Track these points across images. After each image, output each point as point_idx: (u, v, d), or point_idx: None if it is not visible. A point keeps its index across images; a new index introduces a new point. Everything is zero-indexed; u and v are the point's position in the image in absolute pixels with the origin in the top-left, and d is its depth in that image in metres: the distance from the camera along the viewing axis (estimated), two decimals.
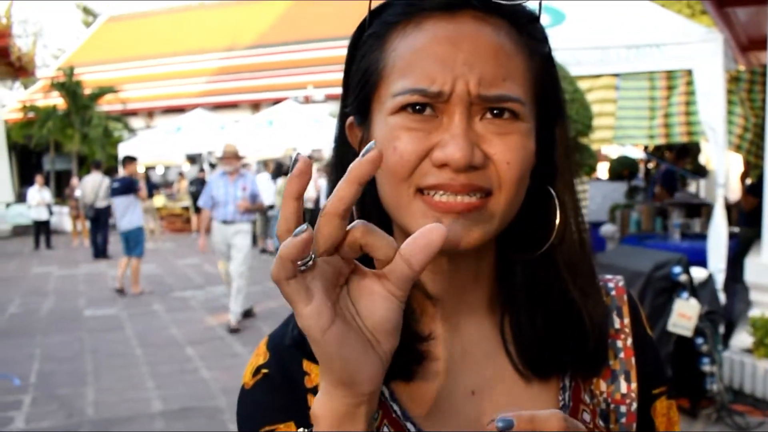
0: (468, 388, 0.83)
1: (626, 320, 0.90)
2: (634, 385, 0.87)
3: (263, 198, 10.17)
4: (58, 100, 26.31)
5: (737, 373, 5.73)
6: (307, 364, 0.83)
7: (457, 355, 0.83)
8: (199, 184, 19.33)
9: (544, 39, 0.82)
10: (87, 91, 26.16)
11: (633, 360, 0.88)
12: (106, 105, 27.23)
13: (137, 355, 7.68)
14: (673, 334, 4.98)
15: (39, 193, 18.80)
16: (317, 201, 16.73)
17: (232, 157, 8.86)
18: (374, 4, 0.82)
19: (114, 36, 37.92)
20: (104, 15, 42.64)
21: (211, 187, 8.86)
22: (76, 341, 8.35)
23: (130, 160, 12.23)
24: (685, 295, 5.05)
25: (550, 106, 0.82)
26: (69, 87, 25.79)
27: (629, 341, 0.89)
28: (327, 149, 14.06)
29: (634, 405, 0.87)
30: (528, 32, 0.79)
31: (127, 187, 11.38)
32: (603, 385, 0.86)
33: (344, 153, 0.86)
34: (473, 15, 0.77)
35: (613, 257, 5.91)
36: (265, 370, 0.85)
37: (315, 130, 19.23)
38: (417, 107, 0.75)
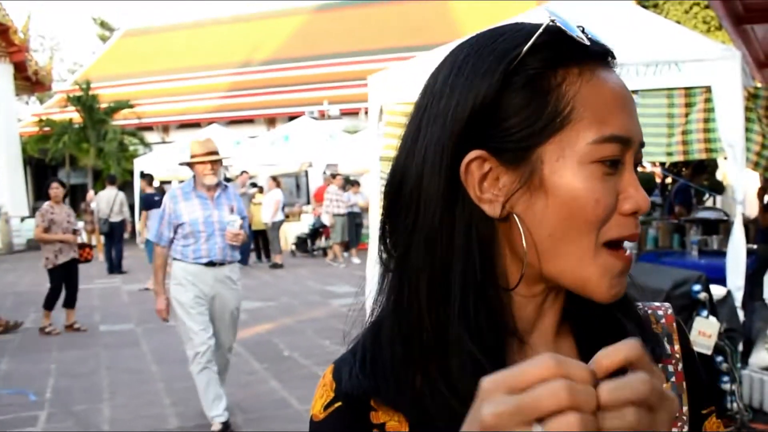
0: None
1: (676, 346, 0.93)
2: (685, 408, 0.91)
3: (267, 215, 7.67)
4: (74, 115, 26.51)
5: (756, 392, 5.67)
6: (374, 401, 0.83)
7: None
8: None
9: None
10: (103, 106, 26.35)
11: (684, 384, 0.92)
12: (122, 119, 27.40)
13: (153, 371, 7.68)
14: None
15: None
16: (349, 215, 16.72)
17: (209, 158, 5.61)
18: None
19: (130, 51, 38.20)
20: (120, 30, 43.00)
21: (175, 211, 5.56)
22: (91, 357, 8.36)
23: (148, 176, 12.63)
24: (705, 313, 5.01)
25: None
26: (85, 101, 25.99)
27: (680, 366, 0.92)
28: (342, 164, 14.03)
29: (686, 427, 0.90)
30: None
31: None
32: None
33: (455, 191, 0.80)
34: (611, 64, 0.83)
35: (632, 275, 5.87)
36: (337, 404, 0.84)
37: (330, 145, 19.28)
38: (613, 161, 0.78)
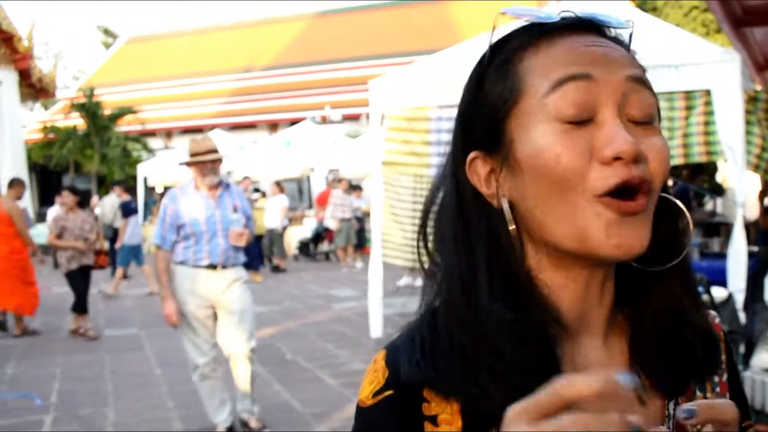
0: None
1: (723, 356, 0.90)
2: None
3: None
4: (78, 121, 26.60)
5: (758, 393, 5.68)
6: (427, 392, 0.81)
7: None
8: None
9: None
10: (106, 112, 26.42)
11: (728, 395, 0.89)
12: (125, 126, 27.48)
13: (157, 375, 7.72)
14: None
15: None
16: (352, 218, 16.75)
17: (208, 157, 5.36)
18: (491, 38, 0.83)
19: (133, 57, 38.29)
20: (124, 36, 43.10)
21: (175, 212, 5.34)
22: (96, 361, 8.40)
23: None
24: None
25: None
26: (89, 108, 26.07)
27: (725, 377, 0.89)
28: (344, 169, 14.02)
29: None
30: (632, 54, 0.83)
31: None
32: None
33: (463, 192, 0.83)
34: (597, 34, 0.80)
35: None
36: (388, 392, 0.82)
37: (332, 150, 19.30)
38: (575, 118, 0.74)
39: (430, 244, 0.87)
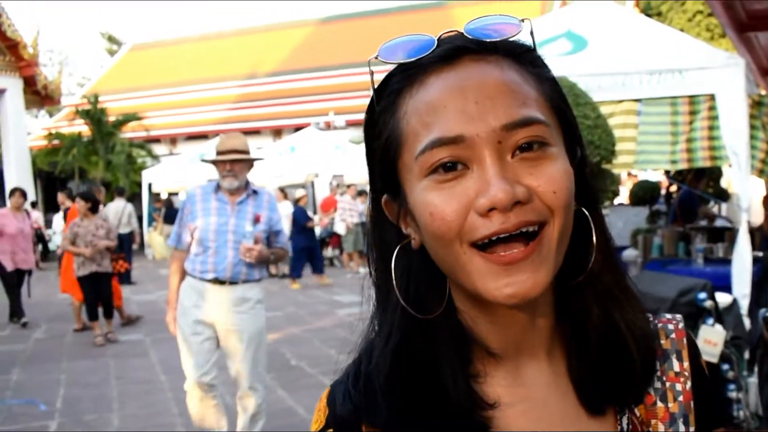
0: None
1: (686, 363, 0.89)
2: (692, 429, 0.86)
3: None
4: (82, 128, 26.65)
5: (764, 399, 5.66)
6: (365, 427, 0.82)
7: (518, 405, 0.82)
8: None
9: (545, 65, 0.82)
10: (111, 119, 26.48)
11: (692, 404, 0.87)
12: (130, 132, 27.54)
13: (161, 381, 7.72)
14: None
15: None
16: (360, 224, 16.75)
17: (228, 157, 4.83)
18: (376, 81, 0.84)
19: (137, 64, 38.39)
20: (128, 44, 43.22)
21: (192, 212, 4.87)
22: (101, 367, 8.41)
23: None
24: (711, 321, 5.02)
25: (570, 126, 0.82)
26: (93, 115, 26.12)
27: (688, 384, 0.88)
28: (348, 174, 14.02)
29: None
30: (529, 61, 0.80)
31: None
32: (661, 427, 0.86)
33: (384, 231, 0.85)
34: (472, 59, 0.77)
35: (637, 283, 5.87)
36: (329, 431, 0.85)
37: (336, 155, 19.31)
38: (447, 165, 0.73)
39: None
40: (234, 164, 4.82)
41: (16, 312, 11.36)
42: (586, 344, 0.83)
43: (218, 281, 4.74)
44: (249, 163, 4.97)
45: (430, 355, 0.80)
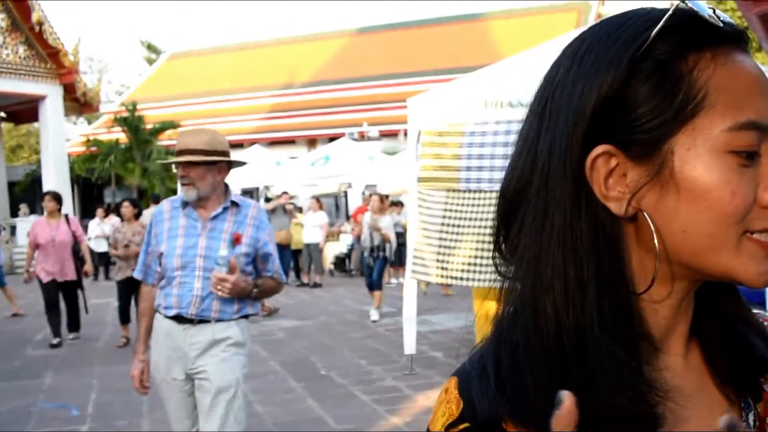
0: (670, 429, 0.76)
1: None
2: None
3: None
4: (120, 135, 27.05)
5: None
6: (507, 422, 0.74)
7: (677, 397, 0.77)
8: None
9: None
10: (148, 127, 26.83)
11: None
12: (167, 140, 27.88)
13: None
14: None
15: (99, 226, 19.16)
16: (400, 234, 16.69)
17: (187, 158, 3.74)
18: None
19: (175, 73, 38.88)
20: (167, 52, 43.78)
21: (156, 235, 3.84)
22: None
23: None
24: None
25: None
26: (131, 122, 26.50)
27: None
28: (381, 185, 13.97)
29: None
30: None
31: None
32: None
33: (579, 188, 0.75)
34: (745, 48, 0.77)
35: None
36: (463, 425, 0.76)
37: (370, 166, 19.37)
38: (753, 152, 0.72)
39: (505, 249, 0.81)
40: (189, 168, 3.72)
41: (53, 328, 10.35)
42: (718, 338, 0.82)
43: (182, 319, 3.70)
44: (216, 166, 3.79)
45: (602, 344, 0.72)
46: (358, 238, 17.80)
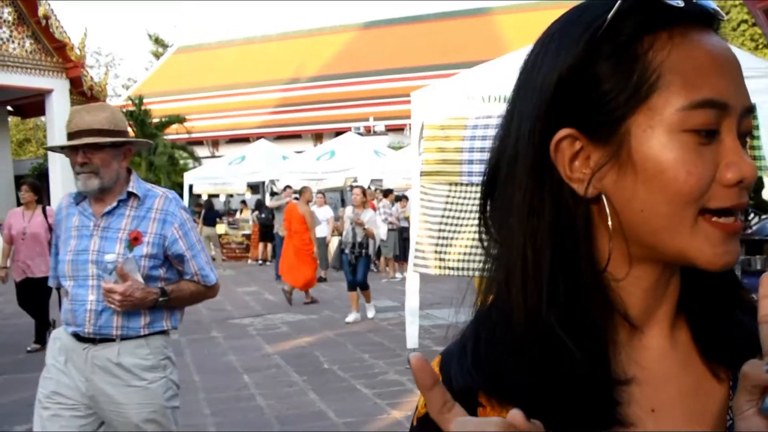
0: (648, 407, 0.78)
1: None
2: None
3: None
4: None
5: None
6: (482, 396, 0.78)
7: (639, 375, 0.78)
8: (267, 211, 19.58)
9: None
10: (154, 120, 26.88)
11: None
12: (173, 134, 27.93)
13: (195, 381, 7.78)
14: None
15: None
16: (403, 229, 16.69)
17: (88, 140, 3.03)
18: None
19: (182, 67, 38.94)
20: (174, 46, 43.83)
21: (58, 237, 3.21)
22: None
23: None
24: None
25: None
26: (137, 116, 26.53)
27: None
28: (387, 179, 13.91)
29: None
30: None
31: None
32: None
33: (542, 170, 0.77)
34: (715, 28, 0.77)
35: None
36: None
37: (375, 160, 19.38)
38: (711, 130, 0.72)
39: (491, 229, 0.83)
40: (92, 153, 3.05)
41: (39, 330, 9.32)
42: (708, 317, 0.82)
43: (79, 338, 3.07)
44: (121, 149, 3.13)
45: (572, 324, 0.75)
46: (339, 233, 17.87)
